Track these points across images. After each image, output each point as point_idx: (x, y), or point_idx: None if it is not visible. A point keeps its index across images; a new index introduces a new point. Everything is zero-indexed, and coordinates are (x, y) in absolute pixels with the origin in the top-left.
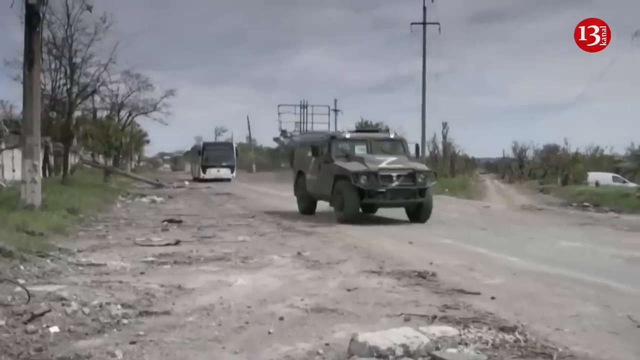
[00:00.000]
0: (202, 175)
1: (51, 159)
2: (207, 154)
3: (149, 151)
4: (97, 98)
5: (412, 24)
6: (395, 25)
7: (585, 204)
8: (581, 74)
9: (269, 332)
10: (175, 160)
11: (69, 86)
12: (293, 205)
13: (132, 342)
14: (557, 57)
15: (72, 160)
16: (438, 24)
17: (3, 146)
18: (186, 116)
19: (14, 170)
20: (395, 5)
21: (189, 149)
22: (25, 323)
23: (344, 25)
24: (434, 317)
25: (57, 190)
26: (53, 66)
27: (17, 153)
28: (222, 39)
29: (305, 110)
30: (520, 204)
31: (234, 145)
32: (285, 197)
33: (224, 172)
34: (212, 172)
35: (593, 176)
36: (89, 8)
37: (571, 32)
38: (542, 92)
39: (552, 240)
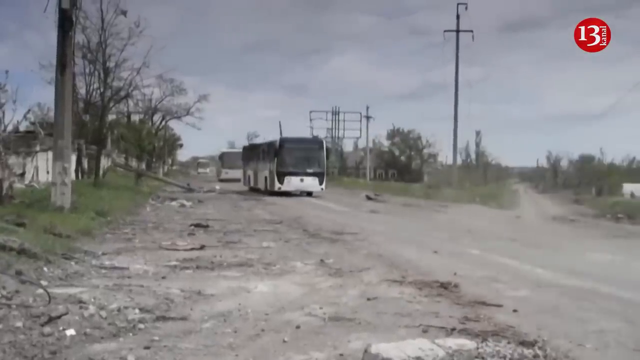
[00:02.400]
0: (277, 185)
1: (84, 162)
2: (286, 155)
3: (183, 155)
4: (130, 102)
5: (445, 31)
6: (428, 33)
7: (620, 215)
8: (616, 82)
9: (284, 341)
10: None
11: (102, 90)
12: (321, 212)
13: (146, 347)
14: (591, 65)
15: (105, 163)
16: (471, 31)
17: (38, 148)
18: (218, 121)
19: (48, 172)
20: (428, 13)
21: (225, 149)
22: (42, 325)
23: (377, 32)
24: (453, 329)
25: (88, 193)
26: (87, 70)
27: (52, 155)
28: (255, 44)
29: (336, 116)
30: (552, 214)
31: (324, 144)
32: (314, 204)
33: (310, 183)
34: (293, 183)
35: (629, 187)
36: (124, 13)
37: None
38: (577, 101)
39: (581, 252)
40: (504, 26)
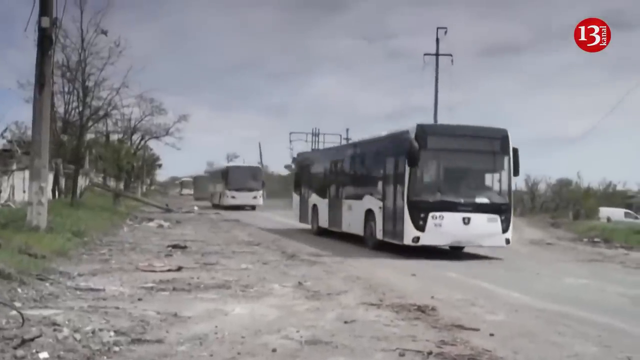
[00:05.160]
0: (411, 233)
1: (62, 181)
2: (430, 165)
3: (162, 175)
4: (109, 121)
5: (425, 54)
6: (408, 56)
7: (596, 239)
8: (594, 107)
9: None
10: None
11: (81, 109)
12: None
13: None
14: (569, 90)
15: (83, 182)
16: (451, 55)
17: (14, 167)
18: (198, 141)
19: (24, 191)
20: (409, 36)
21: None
22: (15, 348)
23: (358, 55)
24: (430, 353)
25: (64, 213)
26: (66, 89)
27: (28, 174)
28: (236, 65)
29: (316, 138)
30: (530, 238)
31: (509, 139)
32: (293, 225)
33: (484, 228)
34: (447, 227)
35: (605, 211)
36: (104, 32)
37: (584, 64)
38: (555, 125)
39: (558, 276)
40: (485, 50)
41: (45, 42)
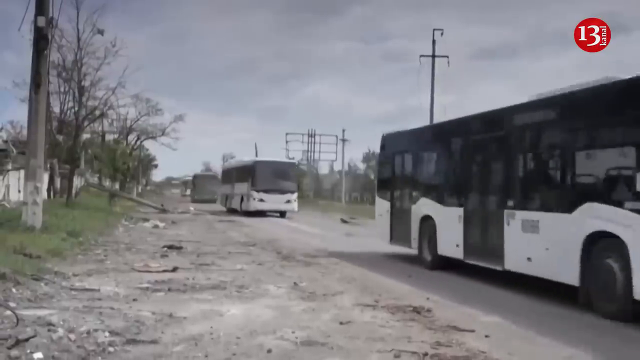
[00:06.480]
0: None
1: (57, 181)
2: None
3: (157, 175)
4: (105, 121)
5: (421, 56)
6: (404, 58)
7: None
8: None
9: None
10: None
11: (76, 109)
12: (295, 235)
13: None
14: None
15: (78, 182)
16: (447, 57)
17: (10, 167)
18: (195, 143)
19: (19, 191)
20: (405, 39)
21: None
22: (9, 348)
23: (354, 58)
24: (425, 354)
25: (60, 213)
26: (62, 89)
27: (24, 174)
28: (233, 69)
29: (312, 139)
30: None
31: None
32: (288, 226)
33: None
34: None
35: None
36: (101, 32)
37: (579, 68)
38: None
39: None
40: (481, 54)
41: (40, 41)
